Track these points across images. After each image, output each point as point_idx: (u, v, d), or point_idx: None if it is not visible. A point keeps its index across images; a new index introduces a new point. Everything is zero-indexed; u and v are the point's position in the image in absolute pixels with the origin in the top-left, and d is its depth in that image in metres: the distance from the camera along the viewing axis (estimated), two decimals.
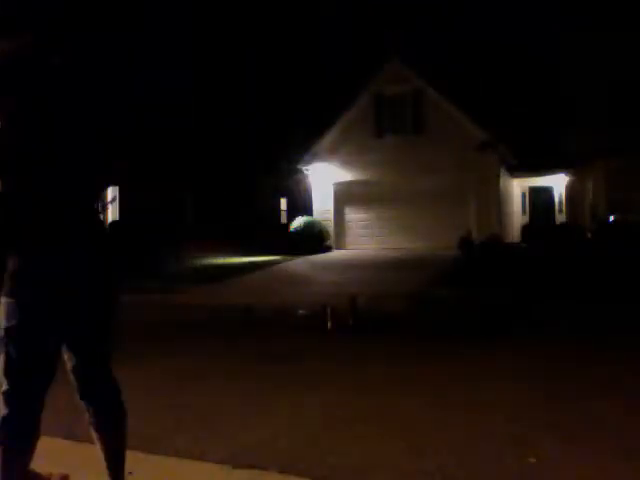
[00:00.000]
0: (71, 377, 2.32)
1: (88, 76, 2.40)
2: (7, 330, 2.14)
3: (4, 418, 2.14)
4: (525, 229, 20.06)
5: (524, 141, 21.07)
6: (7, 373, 2.15)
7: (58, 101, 2.26)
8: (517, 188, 23.02)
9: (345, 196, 20.63)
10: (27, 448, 2.19)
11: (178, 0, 22.40)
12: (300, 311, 8.85)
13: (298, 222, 19.73)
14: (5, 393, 2.15)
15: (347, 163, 20.37)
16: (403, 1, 26.26)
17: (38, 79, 2.23)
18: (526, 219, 22.35)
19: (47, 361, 2.20)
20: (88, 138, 2.31)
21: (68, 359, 2.30)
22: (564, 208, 22.01)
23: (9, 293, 2.14)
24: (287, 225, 20.84)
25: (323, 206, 20.85)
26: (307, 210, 20.92)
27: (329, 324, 7.47)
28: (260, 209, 23.63)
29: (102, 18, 18.59)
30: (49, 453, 2.85)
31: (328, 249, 19.72)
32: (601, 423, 3.78)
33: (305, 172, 21.08)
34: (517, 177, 22.53)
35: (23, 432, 2.17)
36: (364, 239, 20.29)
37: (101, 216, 2.49)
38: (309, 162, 20.83)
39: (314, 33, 25.01)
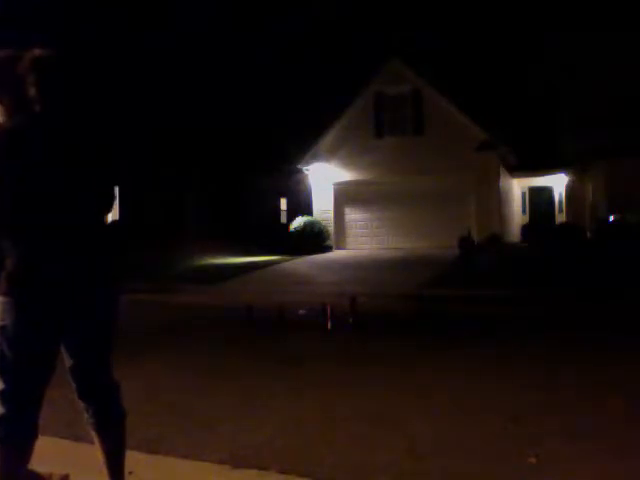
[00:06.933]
0: (71, 377, 2.32)
1: (87, 77, 2.40)
2: (2, 329, 2.14)
3: (1, 417, 2.14)
4: (525, 229, 20.06)
5: (524, 141, 21.08)
6: (3, 372, 2.15)
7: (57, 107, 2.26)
8: (517, 188, 23.03)
9: (345, 196, 20.63)
10: (25, 447, 2.19)
11: None
12: (300, 311, 8.86)
13: (298, 222, 19.73)
14: (2, 392, 2.15)
15: (347, 163, 20.37)
16: (403, 1, 26.28)
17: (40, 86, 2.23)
18: (526, 219, 22.35)
19: (44, 361, 2.20)
20: (88, 138, 2.31)
21: (67, 359, 2.29)
22: (564, 208, 22.02)
23: (5, 292, 2.14)
24: (287, 225, 20.83)
25: (323, 206, 20.85)
26: (307, 210, 20.91)
27: (329, 324, 7.47)
28: (260, 209, 23.61)
29: (102, 16, 18.62)
30: (49, 453, 2.85)
31: (328, 249, 19.72)
32: (601, 423, 3.78)
33: (305, 172, 21.08)
34: (517, 177, 22.56)
35: (21, 432, 2.16)
36: (364, 239, 20.30)
37: None
38: (309, 162, 20.83)
39: (314, 33, 25.01)
